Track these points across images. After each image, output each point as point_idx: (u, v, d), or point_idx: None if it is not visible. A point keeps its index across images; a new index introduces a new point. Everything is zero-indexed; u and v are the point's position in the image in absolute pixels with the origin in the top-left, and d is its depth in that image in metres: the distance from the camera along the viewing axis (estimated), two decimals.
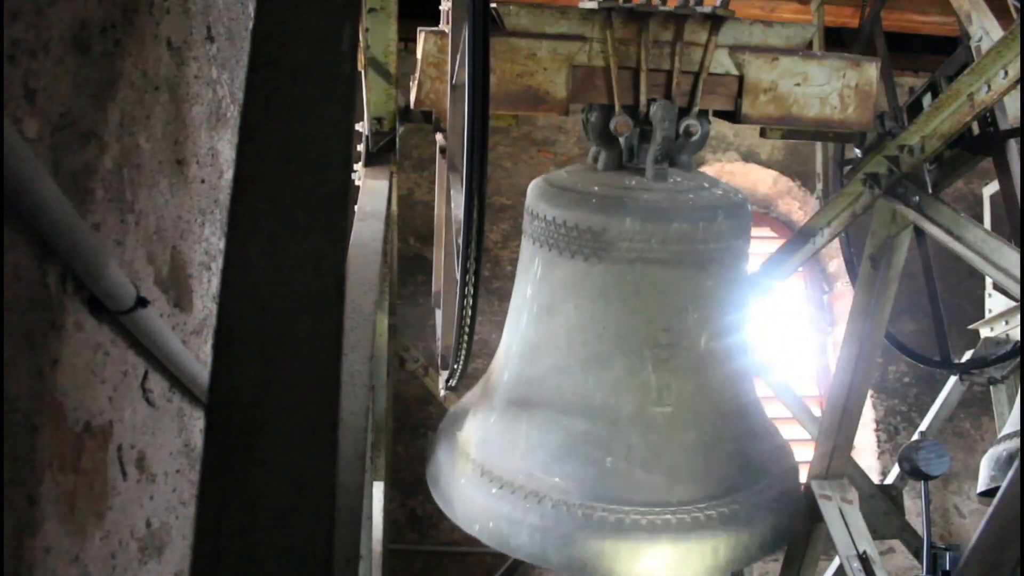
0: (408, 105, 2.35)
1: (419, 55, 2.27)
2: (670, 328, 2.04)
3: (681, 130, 2.14)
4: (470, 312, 1.65)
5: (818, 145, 3.54)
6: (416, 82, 2.29)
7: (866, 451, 5.26)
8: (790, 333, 5.54)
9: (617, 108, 2.15)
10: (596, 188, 2.08)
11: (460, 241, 1.56)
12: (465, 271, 1.56)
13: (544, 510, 1.98)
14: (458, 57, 1.93)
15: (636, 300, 2.03)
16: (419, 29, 2.29)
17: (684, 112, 2.17)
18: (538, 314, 2.16)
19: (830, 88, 2.35)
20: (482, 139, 1.39)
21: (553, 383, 2.11)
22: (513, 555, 2.09)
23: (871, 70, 2.38)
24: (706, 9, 2.14)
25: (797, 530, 2.40)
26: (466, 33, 1.46)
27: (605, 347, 2.05)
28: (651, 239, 1.97)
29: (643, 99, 2.16)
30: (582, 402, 2.06)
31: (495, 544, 2.06)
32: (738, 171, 5.64)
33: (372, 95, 2.18)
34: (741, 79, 2.26)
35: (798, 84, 2.32)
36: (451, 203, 2.06)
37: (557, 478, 2.01)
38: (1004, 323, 3.63)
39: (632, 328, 2.05)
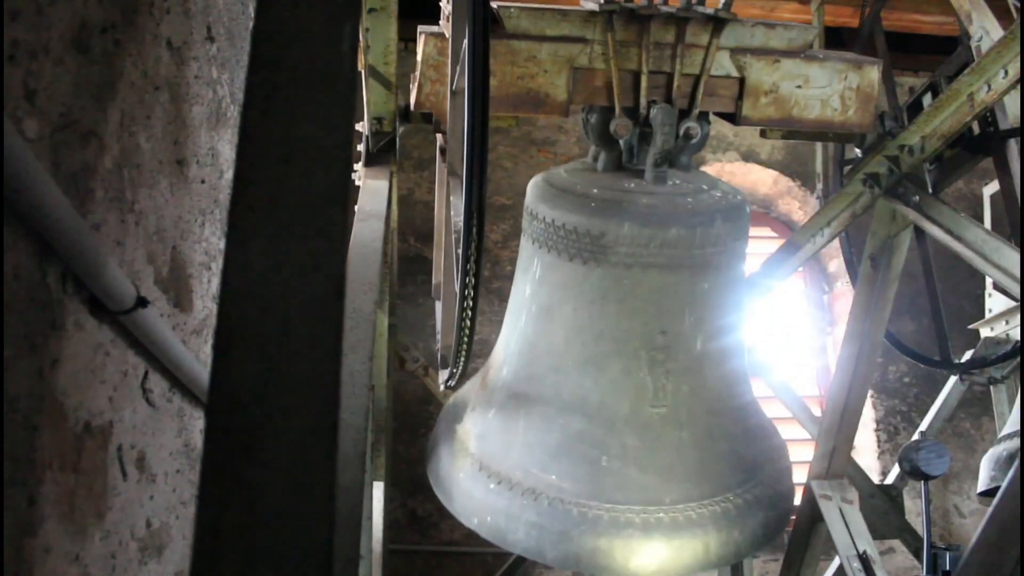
0: (408, 105, 2.35)
1: (419, 57, 2.27)
2: (666, 331, 2.07)
3: (681, 132, 2.14)
4: (470, 315, 1.66)
5: (818, 145, 3.54)
6: (416, 84, 2.29)
7: (866, 451, 5.26)
8: (790, 333, 5.54)
9: (617, 110, 2.15)
10: (595, 191, 2.09)
11: (460, 246, 1.56)
12: (465, 275, 1.56)
13: (541, 507, 2.02)
14: (458, 66, 1.93)
15: (633, 303, 2.06)
16: (419, 30, 2.29)
17: (684, 114, 2.17)
18: (537, 314, 2.18)
19: (831, 90, 2.34)
20: (482, 141, 1.39)
21: (551, 382, 2.14)
22: (510, 550, 2.14)
23: (873, 72, 2.37)
24: (708, 11, 2.12)
25: (786, 527, 2.45)
26: (466, 41, 1.46)
27: (602, 348, 2.09)
28: (649, 244, 2.00)
29: (643, 101, 2.16)
30: (579, 402, 2.10)
31: (492, 538, 2.10)
32: (738, 171, 5.63)
33: (372, 95, 2.18)
34: (742, 81, 2.26)
35: (799, 87, 2.31)
36: (451, 209, 2.07)
37: (554, 476, 2.05)
38: (1004, 323, 3.63)
39: (629, 331, 2.08)
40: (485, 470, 2.10)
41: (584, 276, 2.05)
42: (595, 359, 2.09)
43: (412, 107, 2.32)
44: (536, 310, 2.18)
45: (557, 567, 2.26)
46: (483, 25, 1.40)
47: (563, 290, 2.11)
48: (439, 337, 2.53)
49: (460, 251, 1.57)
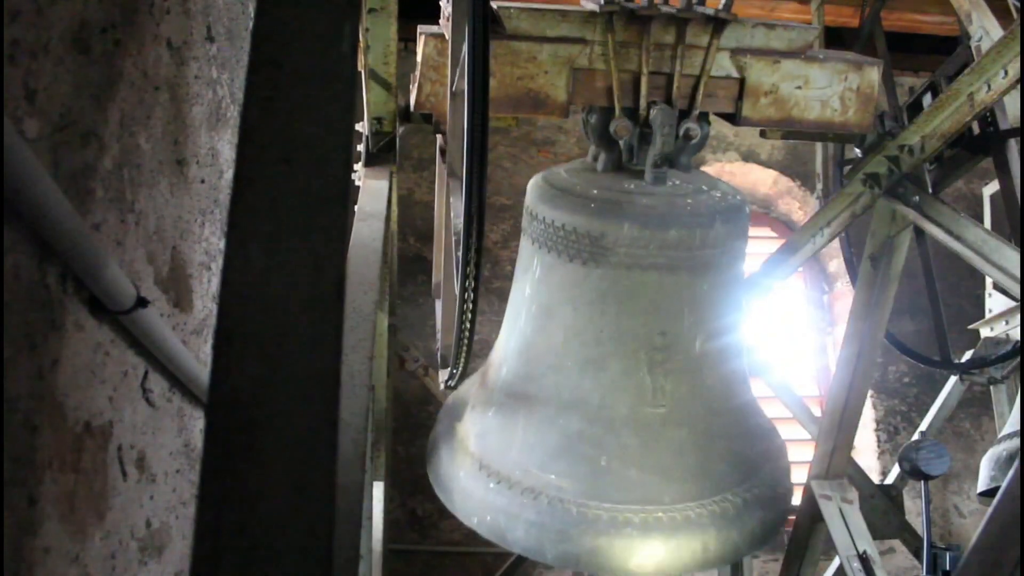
0: (408, 105, 2.35)
1: (419, 58, 2.27)
2: (666, 332, 2.09)
3: (681, 133, 2.14)
4: (470, 315, 1.66)
5: (818, 145, 3.54)
6: (416, 85, 2.29)
7: (866, 451, 5.26)
8: (790, 333, 5.54)
9: (617, 111, 2.14)
10: (595, 191, 2.10)
11: (460, 244, 1.56)
12: (465, 275, 1.57)
13: (540, 506, 2.04)
14: (458, 67, 1.93)
15: (633, 304, 2.08)
16: (419, 31, 2.28)
17: (684, 115, 2.16)
18: (537, 314, 2.20)
19: (831, 91, 2.32)
20: (482, 142, 1.40)
21: (551, 382, 2.16)
22: (510, 549, 2.17)
23: (873, 73, 2.35)
24: (708, 11, 2.10)
25: (784, 527, 2.46)
26: (466, 42, 1.46)
27: (602, 349, 2.11)
28: (648, 245, 2.01)
29: (643, 102, 2.15)
30: (578, 401, 2.12)
31: (493, 537, 2.12)
32: (738, 171, 5.63)
33: (372, 95, 2.18)
34: (742, 82, 2.24)
35: (799, 87, 2.30)
36: (451, 211, 2.08)
37: (553, 475, 2.08)
38: (1004, 323, 3.62)
39: (628, 331, 2.10)
40: (485, 469, 2.12)
41: (584, 277, 2.07)
42: (595, 359, 2.11)
43: (412, 108, 2.32)
44: (536, 310, 2.20)
45: (557, 566, 2.29)
46: (483, 25, 1.40)
47: (563, 290, 2.13)
48: (439, 337, 2.53)
49: (460, 251, 1.57)
